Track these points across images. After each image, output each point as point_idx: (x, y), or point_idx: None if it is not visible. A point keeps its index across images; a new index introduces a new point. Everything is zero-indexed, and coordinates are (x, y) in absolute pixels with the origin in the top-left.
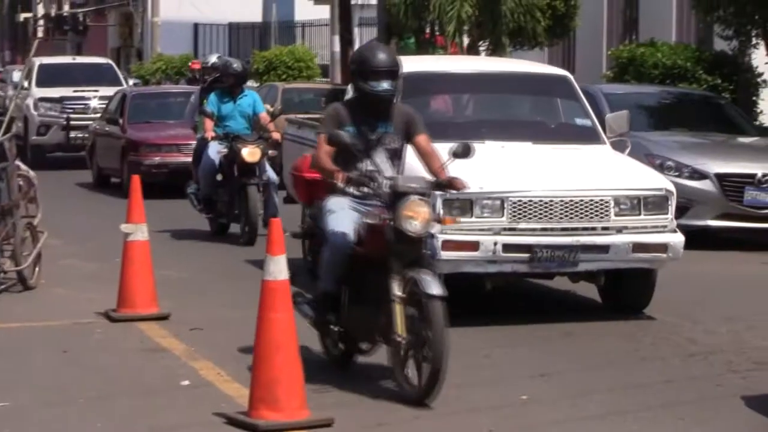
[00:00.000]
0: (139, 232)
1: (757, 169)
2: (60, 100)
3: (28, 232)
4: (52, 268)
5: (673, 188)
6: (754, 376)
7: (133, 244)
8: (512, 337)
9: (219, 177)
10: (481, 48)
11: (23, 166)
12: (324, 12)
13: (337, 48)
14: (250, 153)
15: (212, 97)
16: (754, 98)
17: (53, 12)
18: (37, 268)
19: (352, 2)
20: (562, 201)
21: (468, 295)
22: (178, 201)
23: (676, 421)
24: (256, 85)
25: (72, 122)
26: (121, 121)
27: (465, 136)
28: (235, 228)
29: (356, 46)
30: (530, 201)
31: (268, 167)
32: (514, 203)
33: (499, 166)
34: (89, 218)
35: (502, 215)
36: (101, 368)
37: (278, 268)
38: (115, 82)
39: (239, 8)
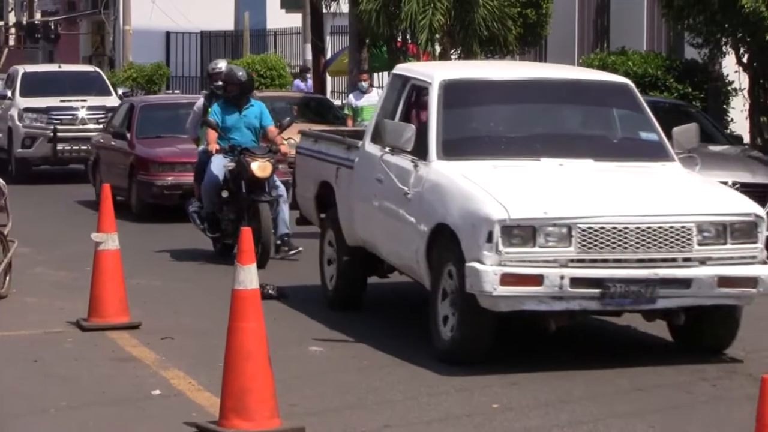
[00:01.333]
0: (110, 241)
1: (728, 177)
2: (46, 110)
3: None
4: (22, 276)
5: (763, 213)
6: (724, 384)
7: (103, 253)
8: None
9: (224, 193)
10: (452, 56)
11: None
12: (296, 20)
13: (309, 56)
14: (260, 167)
15: (216, 107)
16: (724, 106)
17: (25, 20)
18: (7, 277)
19: (324, 11)
20: (638, 228)
21: (527, 335)
22: (190, 226)
23: (647, 429)
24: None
25: (59, 134)
26: (128, 135)
27: (517, 153)
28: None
29: (328, 54)
30: (602, 228)
31: (278, 182)
32: (584, 231)
33: (562, 188)
34: (60, 226)
35: (570, 245)
36: (72, 378)
37: (248, 278)
38: (104, 91)
39: (211, 16)
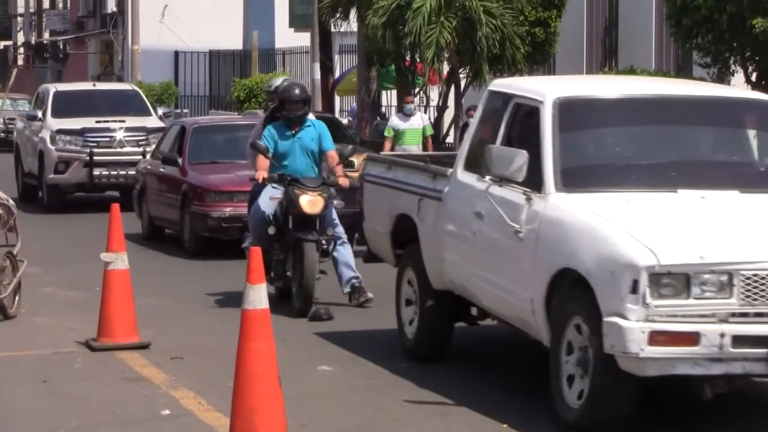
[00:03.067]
0: (119, 261)
1: None
2: (81, 132)
3: (7, 261)
4: (32, 296)
5: None
6: None
7: (113, 273)
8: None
9: (272, 230)
10: (461, 75)
11: (2, 194)
12: (304, 39)
13: (318, 75)
14: (309, 202)
15: (268, 129)
16: None
17: (33, 40)
18: (17, 297)
19: (333, 29)
20: None
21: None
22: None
23: None
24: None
25: (95, 158)
26: (179, 160)
27: (650, 183)
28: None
29: (337, 73)
30: None
31: (337, 220)
32: (748, 279)
33: (714, 226)
34: (70, 246)
35: (731, 295)
36: (81, 398)
37: (258, 297)
38: (143, 111)
39: (219, 36)
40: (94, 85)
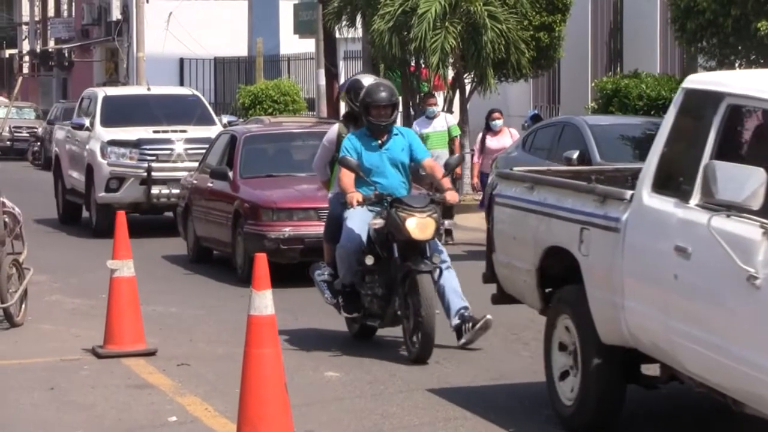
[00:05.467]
0: (126, 268)
1: None
2: (137, 143)
3: (14, 269)
4: (38, 304)
5: None
6: None
7: (119, 280)
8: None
9: (369, 260)
10: (466, 80)
11: (8, 203)
12: (309, 46)
13: (323, 81)
14: (420, 226)
15: (350, 140)
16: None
17: (39, 48)
18: (23, 305)
19: (337, 35)
20: None
21: None
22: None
23: None
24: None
25: (153, 173)
26: (230, 174)
27: None
28: (389, 333)
29: (342, 79)
30: None
31: (440, 245)
32: None
33: None
34: (76, 253)
35: None
36: (88, 405)
37: (264, 303)
38: (206, 119)
39: (224, 42)
40: (148, 89)
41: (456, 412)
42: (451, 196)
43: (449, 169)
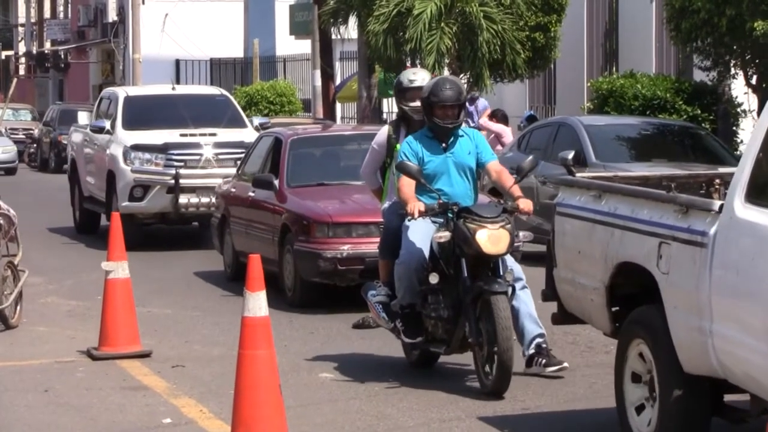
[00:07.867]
0: (120, 270)
1: None
2: (164, 148)
3: (9, 271)
4: (33, 306)
5: None
6: None
7: (114, 282)
8: None
9: (433, 278)
10: (462, 80)
11: (3, 205)
12: (305, 46)
13: (318, 82)
14: (492, 239)
15: (409, 143)
16: (734, 128)
17: (35, 50)
18: (18, 307)
19: (333, 36)
20: None
21: None
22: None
23: None
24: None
25: (180, 181)
26: (276, 183)
27: None
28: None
29: (338, 80)
30: None
31: (511, 260)
32: None
33: None
34: (71, 255)
35: None
36: (83, 407)
37: (257, 305)
38: (237, 121)
39: (220, 44)
40: (173, 88)
41: (451, 413)
42: (525, 205)
43: (523, 173)
